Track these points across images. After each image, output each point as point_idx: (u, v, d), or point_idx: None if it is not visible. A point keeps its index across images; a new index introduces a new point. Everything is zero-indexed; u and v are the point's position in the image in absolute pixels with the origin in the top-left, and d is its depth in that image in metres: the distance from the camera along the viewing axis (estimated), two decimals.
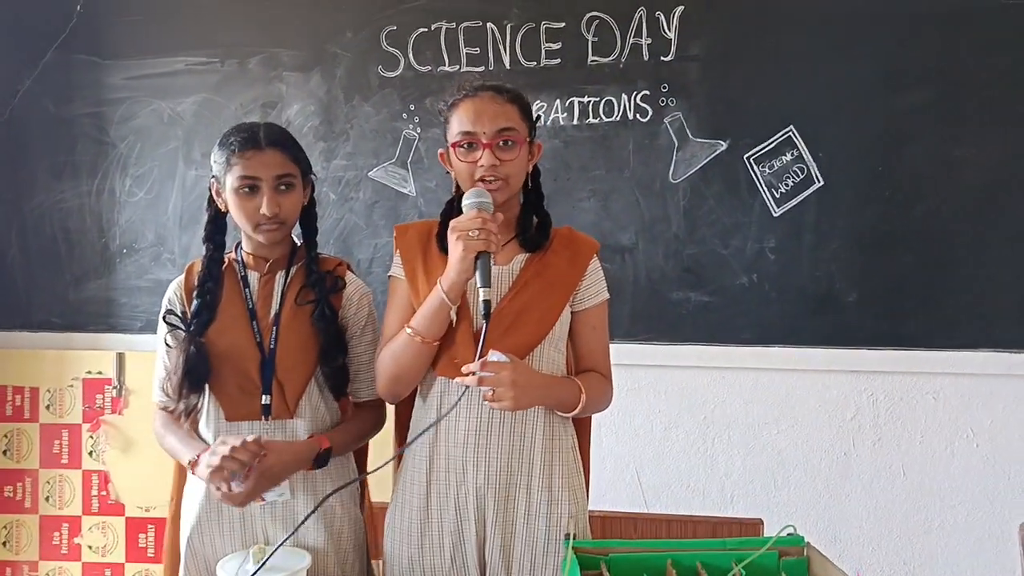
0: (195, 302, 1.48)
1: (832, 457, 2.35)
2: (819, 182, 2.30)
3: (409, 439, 1.45)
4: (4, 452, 2.64)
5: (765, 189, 2.32)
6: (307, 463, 1.44)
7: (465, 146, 1.39)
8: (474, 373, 1.30)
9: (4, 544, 2.64)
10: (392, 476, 1.54)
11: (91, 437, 2.62)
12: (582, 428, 1.58)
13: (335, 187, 2.51)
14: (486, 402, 1.33)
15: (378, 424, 1.59)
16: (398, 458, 1.52)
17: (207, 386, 1.48)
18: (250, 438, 1.35)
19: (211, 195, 1.52)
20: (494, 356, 1.31)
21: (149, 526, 2.59)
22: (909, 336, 2.27)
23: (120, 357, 2.61)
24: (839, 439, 2.34)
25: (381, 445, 1.64)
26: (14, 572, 2.64)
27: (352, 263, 2.41)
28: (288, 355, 1.46)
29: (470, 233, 1.29)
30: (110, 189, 2.63)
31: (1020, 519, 1.85)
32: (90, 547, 2.61)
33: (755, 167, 2.32)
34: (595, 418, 1.62)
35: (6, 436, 2.65)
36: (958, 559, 2.31)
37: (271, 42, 2.52)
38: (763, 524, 1.76)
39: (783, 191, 2.32)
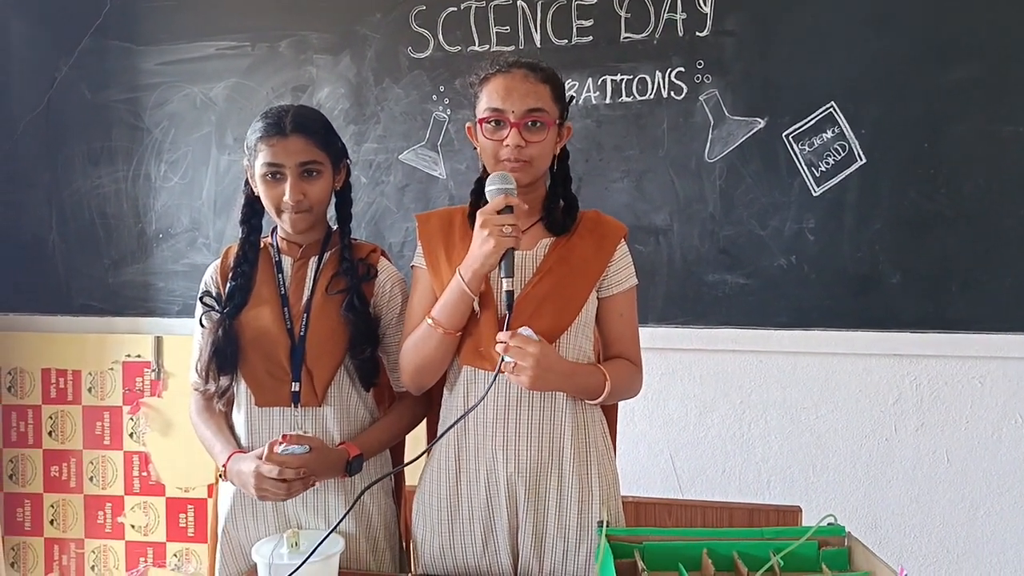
0: (229, 284, 1.49)
1: (873, 442, 2.30)
2: (861, 160, 2.23)
3: (439, 431, 1.44)
4: (50, 433, 2.71)
5: (804, 168, 2.26)
6: (339, 471, 1.42)
7: (493, 123, 1.36)
8: (504, 342, 1.28)
9: (52, 523, 2.71)
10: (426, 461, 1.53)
11: (131, 419, 2.67)
12: (609, 415, 1.56)
13: (366, 170, 2.50)
14: (505, 374, 1.30)
15: (423, 412, 1.58)
16: (429, 451, 1.50)
17: (238, 370, 1.48)
18: (279, 448, 1.36)
19: (247, 178, 1.52)
20: (525, 331, 1.30)
21: (189, 506, 2.64)
22: (954, 319, 2.21)
23: (158, 341, 2.64)
24: (880, 424, 2.29)
25: (414, 433, 1.62)
26: (62, 550, 2.71)
27: (384, 247, 2.43)
28: (317, 343, 1.46)
29: (503, 228, 1.27)
30: (145, 174, 2.65)
31: None
32: (133, 526, 2.67)
33: (794, 145, 2.26)
34: (628, 403, 1.60)
35: (51, 418, 2.71)
36: (1004, 547, 2.25)
37: (300, 25, 2.51)
38: (801, 512, 1.72)
39: (823, 170, 2.25)
